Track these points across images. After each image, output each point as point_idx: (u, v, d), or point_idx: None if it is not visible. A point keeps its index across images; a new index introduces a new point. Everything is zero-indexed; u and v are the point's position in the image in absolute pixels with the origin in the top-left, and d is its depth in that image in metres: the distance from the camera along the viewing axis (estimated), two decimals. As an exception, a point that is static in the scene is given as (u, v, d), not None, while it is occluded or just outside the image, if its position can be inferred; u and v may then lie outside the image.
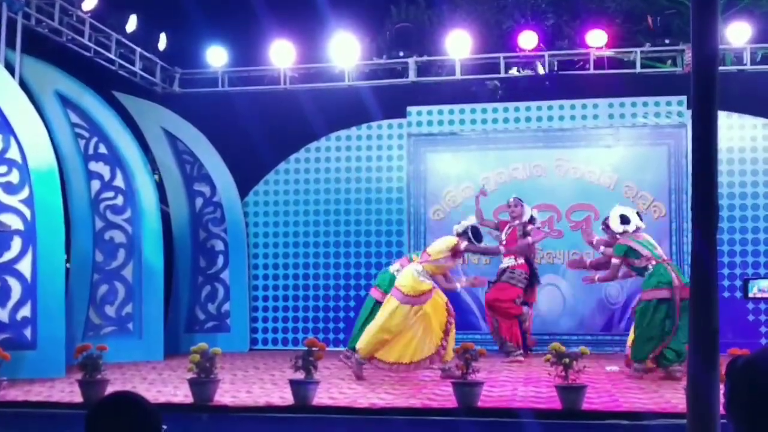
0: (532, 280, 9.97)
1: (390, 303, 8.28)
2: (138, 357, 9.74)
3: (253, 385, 7.76)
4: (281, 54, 11.93)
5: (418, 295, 8.19)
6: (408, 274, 8.36)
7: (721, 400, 2.21)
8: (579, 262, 9.53)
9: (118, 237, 10.08)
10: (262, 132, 11.25)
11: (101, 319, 9.89)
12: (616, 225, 8.74)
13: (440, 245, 8.55)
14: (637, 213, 8.98)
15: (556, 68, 11.59)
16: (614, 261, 8.73)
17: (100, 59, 10.90)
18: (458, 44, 11.58)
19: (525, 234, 9.83)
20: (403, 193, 11.55)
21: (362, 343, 8.21)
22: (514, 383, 7.78)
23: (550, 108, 11.38)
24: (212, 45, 12.20)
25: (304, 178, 11.90)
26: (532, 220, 9.98)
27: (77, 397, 6.73)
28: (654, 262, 8.33)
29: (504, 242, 9.87)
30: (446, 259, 8.37)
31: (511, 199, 10.03)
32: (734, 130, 10.89)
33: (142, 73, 11.70)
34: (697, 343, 2.52)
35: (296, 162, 11.94)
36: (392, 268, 9.26)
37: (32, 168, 8.48)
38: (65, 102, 9.87)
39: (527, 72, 11.70)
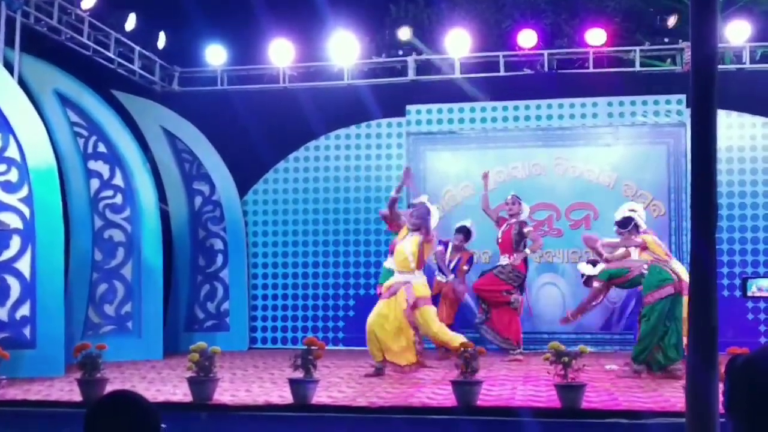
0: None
1: None
2: (137, 356, 9.73)
3: (252, 384, 7.76)
4: (280, 53, 11.92)
5: (388, 287, 8.47)
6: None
7: (721, 398, 2.21)
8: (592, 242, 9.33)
9: (118, 236, 10.08)
10: (261, 131, 11.25)
11: (100, 318, 9.88)
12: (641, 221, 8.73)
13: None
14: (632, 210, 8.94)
15: (555, 67, 11.59)
16: (596, 285, 8.79)
17: (99, 58, 10.90)
18: (457, 43, 11.58)
19: (521, 234, 9.77)
20: (403, 192, 11.54)
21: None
22: (514, 382, 7.78)
23: (549, 107, 11.38)
24: (211, 44, 12.19)
25: (304, 177, 11.90)
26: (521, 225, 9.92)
27: (76, 396, 6.73)
28: (646, 267, 8.33)
29: (499, 240, 9.86)
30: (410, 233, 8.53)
31: (510, 197, 9.99)
32: (734, 129, 10.89)
33: (142, 72, 11.69)
34: (696, 342, 2.52)
35: (295, 161, 11.94)
36: (387, 263, 9.38)
37: (31, 167, 8.47)
38: (64, 101, 9.86)
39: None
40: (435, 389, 7.24)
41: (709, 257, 2.55)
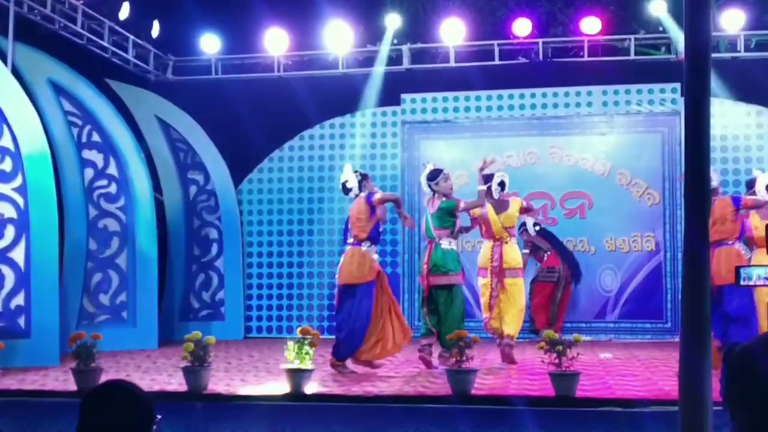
0: None
1: None
2: (132, 345, 9.73)
3: (247, 374, 7.77)
4: (275, 41, 11.88)
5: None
6: None
7: (715, 386, 2.22)
8: None
9: (112, 225, 10.06)
10: (255, 120, 11.23)
11: (95, 307, 9.88)
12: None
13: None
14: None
15: (550, 55, 11.57)
16: None
17: (93, 47, 10.85)
18: (452, 31, 11.55)
19: None
20: (397, 180, 11.55)
21: None
22: (508, 371, 7.80)
23: (544, 95, 11.38)
24: (205, 32, 12.13)
25: (298, 165, 11.89)
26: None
27: (71, 386, 6.72)
28: None
29: None
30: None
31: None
32: (728, 117, 10.90)
33: (135, 61, 11.65)
34: (689, 331, 2.53)
35: (290, 150, 11.93)
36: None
37: (25, 156, 8.45)
38: (58, 90, 9.82)
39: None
40: (430, 378, 7.27)
41: (703, 246, 2.55)
